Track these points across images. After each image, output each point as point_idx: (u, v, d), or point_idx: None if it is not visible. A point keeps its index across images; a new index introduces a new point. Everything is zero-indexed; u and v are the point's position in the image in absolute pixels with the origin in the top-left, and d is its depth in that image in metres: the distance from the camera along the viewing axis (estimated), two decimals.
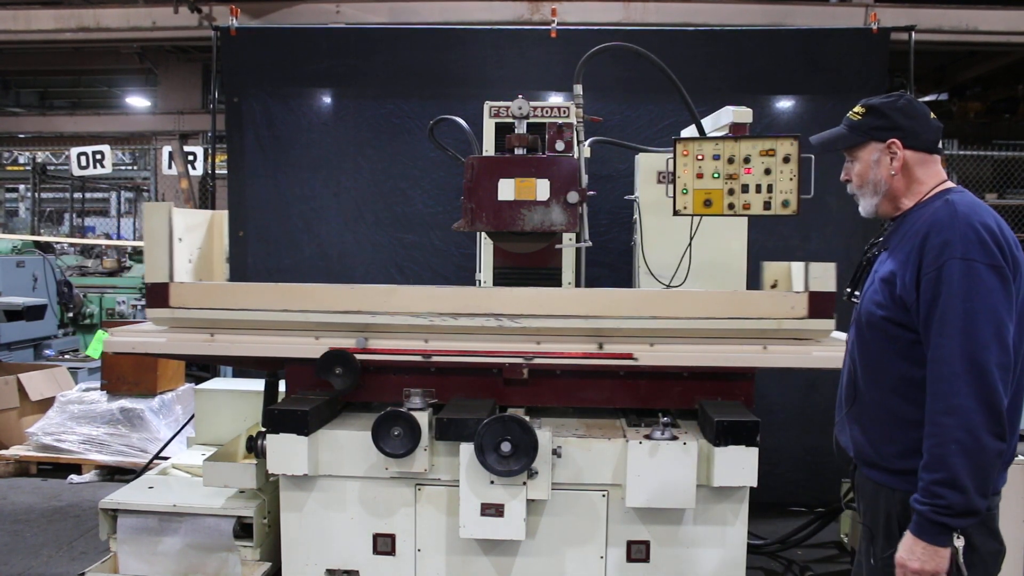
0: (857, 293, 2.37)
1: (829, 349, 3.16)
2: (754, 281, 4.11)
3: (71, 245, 13.40)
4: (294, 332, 3.30)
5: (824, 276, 3.14)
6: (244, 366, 3.63)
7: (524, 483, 2.95)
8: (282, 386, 3.61)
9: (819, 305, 3.13)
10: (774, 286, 3.51)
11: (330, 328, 3.27)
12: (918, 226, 2.11)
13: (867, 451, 2.22)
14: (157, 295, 3.37)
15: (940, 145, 2.27)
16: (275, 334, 3.31)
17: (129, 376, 5.90)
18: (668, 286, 3.88)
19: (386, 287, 3.38)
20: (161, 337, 3.42)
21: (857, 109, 2.28)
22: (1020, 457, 3.21)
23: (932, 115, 2.24)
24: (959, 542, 1.98)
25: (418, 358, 3.23)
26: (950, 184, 2.22)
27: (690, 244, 3.73)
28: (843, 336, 2.93)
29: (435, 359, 3.23)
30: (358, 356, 3.21)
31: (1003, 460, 2.03)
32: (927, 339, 2.02)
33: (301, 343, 3.26)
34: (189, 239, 3.64)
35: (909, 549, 2.00)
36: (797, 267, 3.35)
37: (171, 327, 3.44)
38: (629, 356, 3.17)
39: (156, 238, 3.46)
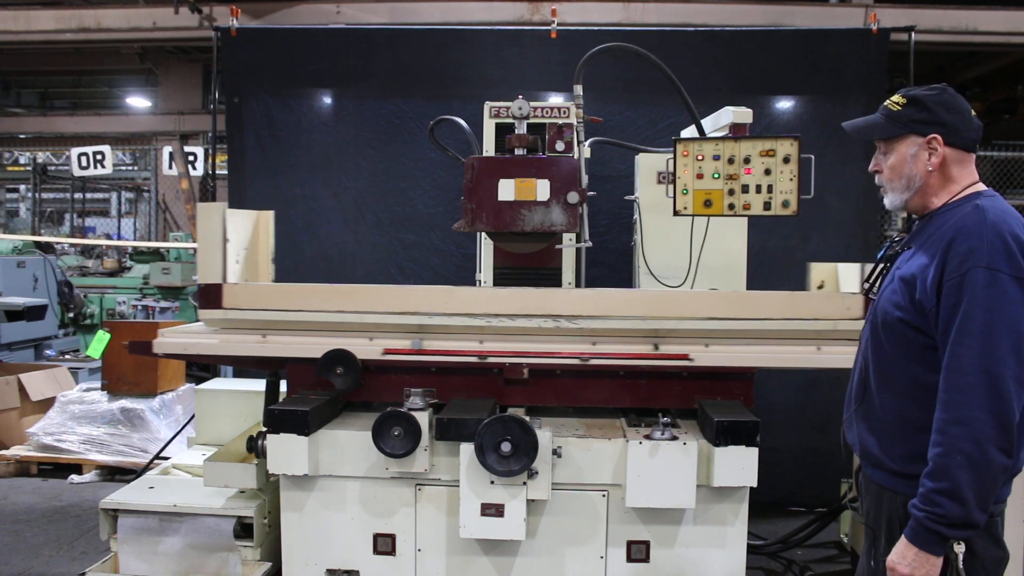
0: (874, 290, 2.30)
1: None
2: (754, 281, 4.12)
3: (72, 245, 13.40)
4: (348, 333, 3.29)
5: None
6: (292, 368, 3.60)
7: (524, 483, 2.95)
8: (283, 386, 3.61)
9: None
10: (821, 287, 3.51)
11: (385, 329, 3.26)
12: (944, 229, 2.04)
13: (873, 452, 2.18)
14: (210, 296, 3.34)
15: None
16: (329, 335, 3.29)
17: (130, 376, 5.90)
18: (679, 286, 3.88)
19: (444, 288, 3.36)
20: (213, 339, 3.39)
21: (896, 98, 2.18)
22: None
23: (973, 112, 2.15)
24: (959, 548, 1.95)
25: (470, 359, 3.21)
26: (982, 186, 2.14)
27: (696, 243, 3.74)
28: None
29: (491, 360, 3.21)
30: (406, 357, 3.18)
31: (1009, 474, 1.99)
32: (944, 346, 1.97)
33: (355, 344, 3.23)
34: (236, 239, 3.61)
35: (901, 554, 1.99)
36: (845, 268, 3.35)
37: (222, 328, 3.42)
38: (685, 357, 3.17)
39: (210, 239, 3.44)
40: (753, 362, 3.19)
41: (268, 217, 3.93)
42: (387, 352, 3.22)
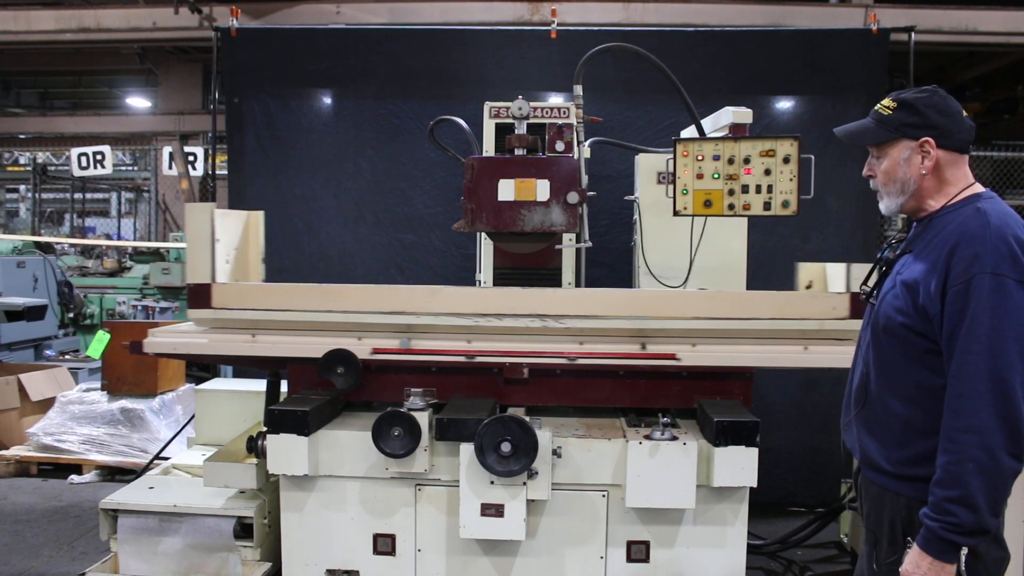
0: (874, 293, 2.28)
1: None
2: (754, 281, 4.12)
3: (72, 245, 13.39)
4: (337, 333, 3.30)
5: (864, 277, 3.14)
6: (278, 368, 3.62)
7: (524, 483, 2.95)
8: (284, 386, 3.61)
9: (860, 305, 3.12)
10: (809, 286, 3.51)
11: (373, 328, 3.27)
12: (946, 233, 2.03)
13: (874, 456, 2.17)
14: (199, 296, 3.36)
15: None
16: (318, 335, 3.30)
17: (129, 376, 5.90)
18: (679, 286, 3.88)
19: (430, 288, 3.37)
20: (202, 338, 3.40)
21: (887, 103, 2.16)
22: None
23: (964, 113, 2.14)
24: (963, 549, 1.95)
25: (457, 358, 3.22)
26: (979, 187, 2.13)
27: (698, 243, 3.74)
28: None
29: (479, 359, 3.22)
30: (392, 356, 3.19)
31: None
32: (950, 352, 1.96)
33: (344, 344, 3.24)
34: (226, 239, 3.62)
35: (915, 563, 1.97)
36: (833, 268, 3.36)
37: (212, 328, 3.43)
38: (672, 356, 3.18)
39: (198, 239, 3.45)
40: (740, 361, 3.20)
41: (258, 217, 3.95)
42: (376, 351, 3.24)
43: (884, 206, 2.22)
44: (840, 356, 3.15)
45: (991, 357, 1.90)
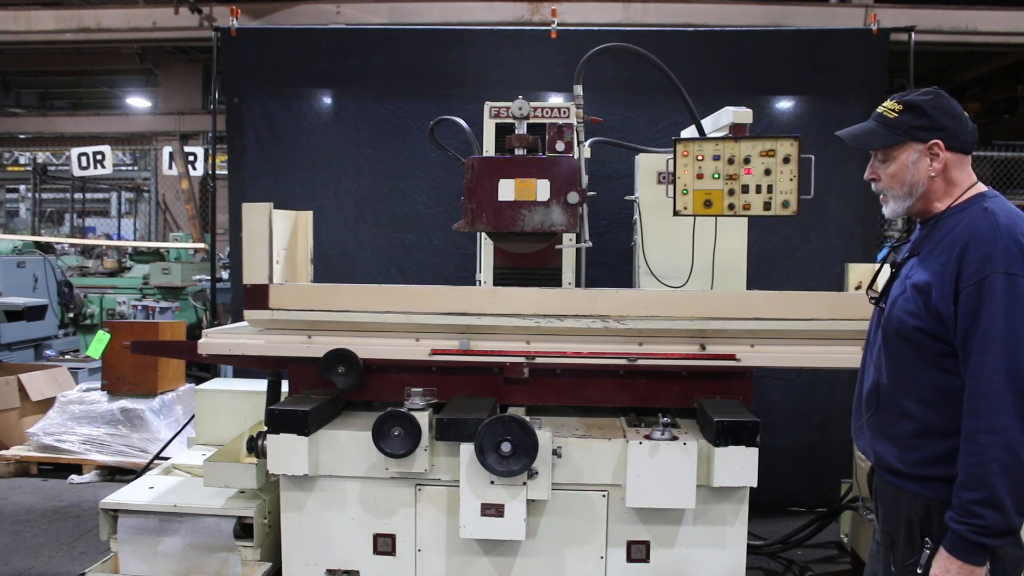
0: (882, 298, 2.26)
1: None
2: (754, 281, 4.12)
3: (72, 245, 13.41)
4: (394, 334, 3.29)
5: None
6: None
7: (524, 483, 2.95)
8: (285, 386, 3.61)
9: None
10: (859, 287, 3.51)
11: (432, 329, 3.26)
12: (954, 235, 2.03)
13: (889, 458, 2.16)
14: (257, 296, 3.34)
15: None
16: (373, 335, 3.30)
17: (129, 376, 5.90)
18: (681, 286, 3.88)
19: (490, 288, 3.37)
20: (259, 339, 3.39)
21: (891, 105, 2.14)
22: None
23: (966, 114, 2.14)
24: None
25: (517, 359, 3.22)
26: (982, 187, 2.13)
27: (702, 243, 3.74)
28: None
29: (539, 360, 3.22)
30: (453, 358, 3.20)
31: None
32: (965, 354, 1.96)
33: (402, 345, 3.24)
34: (276, 240, 3.62)
35: (945, 568, 1.96)
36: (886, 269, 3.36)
37: (267, 328, 3.42)
38: (732, 357, 3.19)
39: (256, 240, 3.45)
40: (798, 362, 3.22)
41: (307, 217, 3.95)
42: (434, 352, 3.23)
43: (889, 209, 2.20)
44: None
45: (1008, 356, 1.90)
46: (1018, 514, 1.91)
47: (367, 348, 3.25)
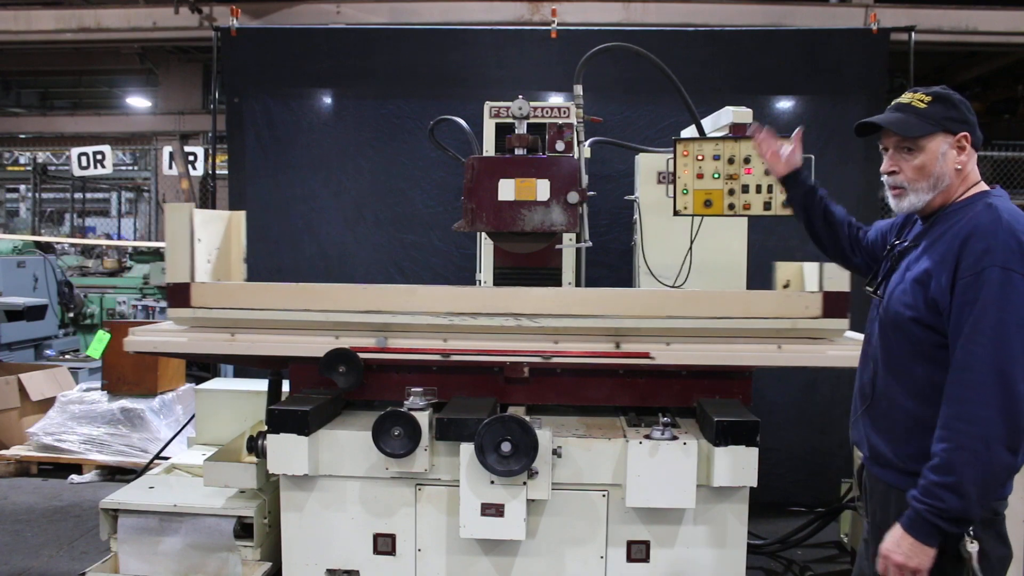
0: (880, 289, 2.27)
1: (843, 348, 3.16)
2: (754, 281, 4.12)
3: (72, 245, 13.41)
4: (314, 332, 3.31)
5: (838, 276, 3.13)
6: (263, 366, 3.65)
7: (524, 483, 2.95)
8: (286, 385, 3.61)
9: (833, 305, 3.14)
10: (786, 286, 3.51)
11: (350, 327, 3.28)
12: (957, 228, 2.03)
13: (882, 452, 2.18)
14: (179, 295, 3.37)
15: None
16: (295, 334, 3.32)
17: (130, 376, 5.90)
18: (674, 286, 3.88)
19: (406, 287, 3.39)
20: (182, 337, 3.42)
21: (920, 96, 2.12)
22: None
23: None
24: (973, 547, 1.96)
25: (432, 356, 3.25)
26: (985, 184, 2.14)
27: (698, 243, 3.73)
28: (857, 336, 2.91)
29: (453, 358, 3.24)
30: (370, 355, 3.21)
31: (1012, 472, 1.99)
32: (955, 343, 1.97)
33: (321, 343, 3.26)
34: (207, 239, 3.64)
35: (896, 542, 1.99)
36: (810, 267, 3.36)
37: (191, 327, 3.45)
38: (646, 355, 3.18)
39: (177, 238, 3.47)
40: (714, 360, 3.20)
41: (240, 218, 3.96)
42: (353, 350, 3.25)
43: (908, 203, 2.15)
44: (813, 355, 3.20)
45: (995, 350, 1.90)
46: (981, 506, 1.93)
47: (287, 346, 3.28)
